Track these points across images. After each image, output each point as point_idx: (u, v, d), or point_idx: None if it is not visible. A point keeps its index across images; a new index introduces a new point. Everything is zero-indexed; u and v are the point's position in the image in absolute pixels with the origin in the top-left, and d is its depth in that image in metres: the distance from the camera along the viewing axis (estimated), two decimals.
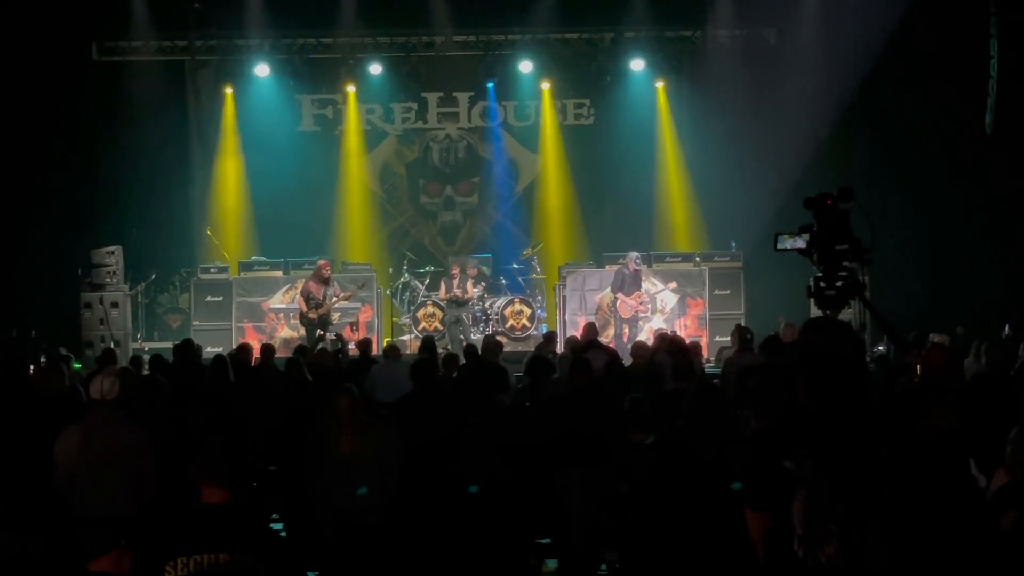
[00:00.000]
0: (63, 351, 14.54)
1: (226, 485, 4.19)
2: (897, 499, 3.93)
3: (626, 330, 17.18)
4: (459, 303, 17.91)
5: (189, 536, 4.13)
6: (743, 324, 14.02)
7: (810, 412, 4.22)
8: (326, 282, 16.59)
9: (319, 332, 16.19)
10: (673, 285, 18.29)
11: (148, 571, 4.09)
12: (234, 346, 14.35)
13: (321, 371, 10.57)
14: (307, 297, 16.55)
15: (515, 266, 19.72)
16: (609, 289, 17.71)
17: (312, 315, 16.38)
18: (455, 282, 17.95)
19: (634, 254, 17.54)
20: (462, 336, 17.52)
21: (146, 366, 12.09)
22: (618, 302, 17.35)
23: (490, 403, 9.35)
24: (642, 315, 17.55)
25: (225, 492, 4.18)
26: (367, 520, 6.82)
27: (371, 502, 6.89)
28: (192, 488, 4.30)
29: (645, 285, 17.69)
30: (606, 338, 16.64)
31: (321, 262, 16.85)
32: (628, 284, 17.37)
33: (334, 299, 16.54)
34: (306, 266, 18.33)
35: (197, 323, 17.98)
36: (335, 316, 17.07)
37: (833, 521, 3.83)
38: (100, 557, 4.40)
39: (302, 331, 16.96)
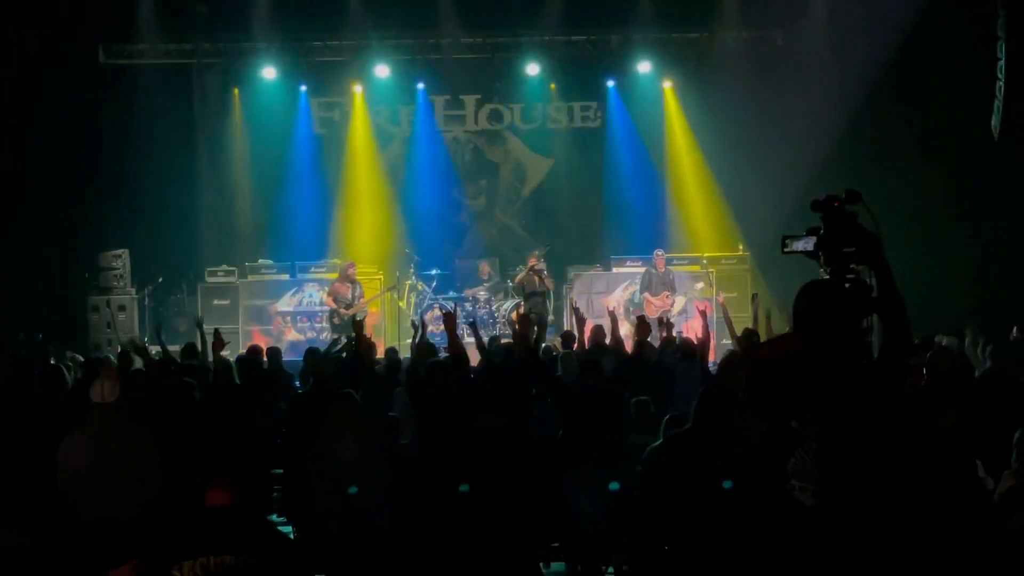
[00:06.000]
0: (69, 355, 14.53)
1: (230, 487, 4.18)
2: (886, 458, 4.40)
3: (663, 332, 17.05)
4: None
5: (195, 539, 4.14)
6: (751, 327, 13.98)
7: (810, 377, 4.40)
8: (353, 282, 16.82)
9: (336, 336, 16.26)
10: (700, 286, 18.20)
11: (155, 575, 4.09)
12: (241, 349, 14.35)
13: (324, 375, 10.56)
14: (336, 297, 16.72)
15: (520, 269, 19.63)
16: (637, 289, 17.74)
17: (344, 312, 16.52)
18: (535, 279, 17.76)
19: (660, 251, 17.59)
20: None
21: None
22: (644, 303, 17.34)
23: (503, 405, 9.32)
24: (669, 315, 17.52)
25: (229, 494, 4.18)
26: (370, 524, 6.81)
27: (375, 505, 6.88)
28: (195, 489, 4.29)
29: (676, 285, 17.67)
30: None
31: (347, 263, 17.17)
32: (656, 284, 17.38)
33: (362, 299, 16.75)
34: (312, 269, 18.38)
35: (204, 327, 17.92)
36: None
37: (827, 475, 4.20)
38: (122, 566, 4.39)
39: (309, 335, 17.04)
